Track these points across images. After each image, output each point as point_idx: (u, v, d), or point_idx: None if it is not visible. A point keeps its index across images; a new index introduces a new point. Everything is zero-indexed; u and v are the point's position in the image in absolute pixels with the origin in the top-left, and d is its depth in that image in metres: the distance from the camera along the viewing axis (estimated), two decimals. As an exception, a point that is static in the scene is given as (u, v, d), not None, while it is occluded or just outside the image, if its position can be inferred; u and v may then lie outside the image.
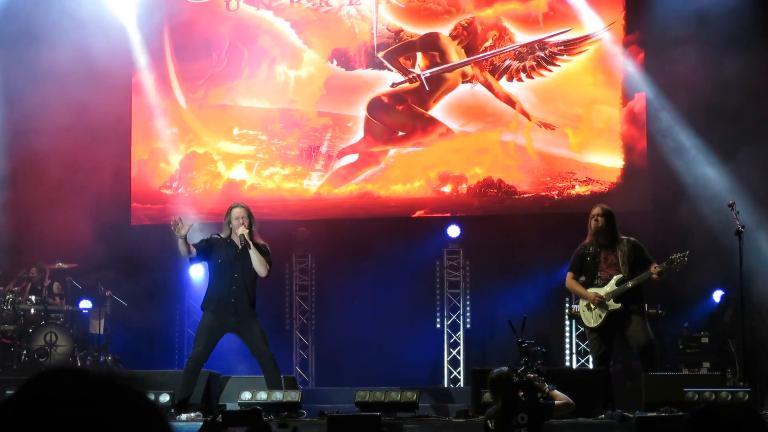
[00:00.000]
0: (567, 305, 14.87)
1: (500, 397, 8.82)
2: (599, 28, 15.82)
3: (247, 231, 10.93)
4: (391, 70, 16.42)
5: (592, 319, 11.50)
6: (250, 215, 11.09)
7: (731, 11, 14.71)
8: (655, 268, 11.29)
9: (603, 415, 10.32)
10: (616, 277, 11.43)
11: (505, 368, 9.18)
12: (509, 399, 8.66)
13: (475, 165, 16.19)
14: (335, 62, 16.54)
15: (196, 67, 16.92)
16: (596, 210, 11.69)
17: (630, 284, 11.36)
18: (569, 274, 11.69)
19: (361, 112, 16.48)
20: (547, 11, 16.00)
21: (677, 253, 11.38)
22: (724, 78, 14.40)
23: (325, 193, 16.48)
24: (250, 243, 10.96)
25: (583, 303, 11.64)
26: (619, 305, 11.36)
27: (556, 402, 9.64)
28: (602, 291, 11.42)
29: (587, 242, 11.63)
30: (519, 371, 9.19)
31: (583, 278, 11.69)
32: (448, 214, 16.27)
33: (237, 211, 11.07)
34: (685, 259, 11.35)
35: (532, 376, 9.35)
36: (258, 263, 10.95)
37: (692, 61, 14.67)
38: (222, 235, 11.23)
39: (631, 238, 11.65)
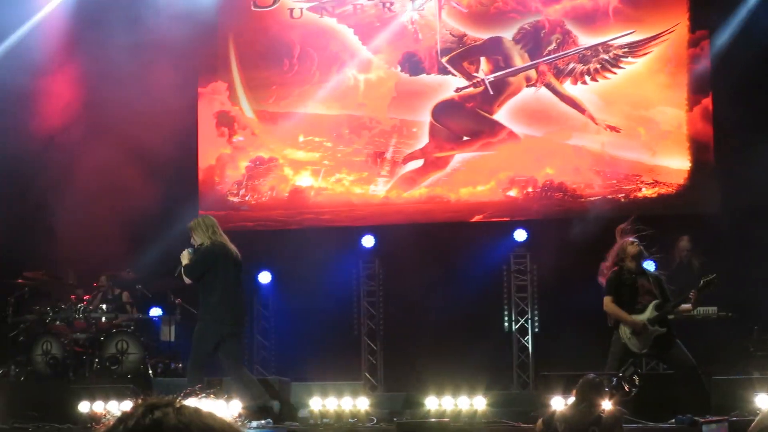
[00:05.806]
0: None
1: (587, 402, 8.65)
2: (664, 29, 15.73)
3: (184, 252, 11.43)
4: (455, 75, 16.42)
5: (638, 345, 11.21)
6: (192, 227, 11.52)
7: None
8: (694, 294, 11.15)
9: (673, 420, 10.27)
10: (654, 303, 11.24)
11: (594, 375, 9.08)
12: (589, 408, 8.54)
13: (541, 169, 16.15)
14: (399, 68, 16.57)
15: (264, 75, 17.02)
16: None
17: (672, 309, 11.28)
18: (609, 298, 11.33)
19: (425, 117, 16.49)
20: (618, 4, 15.92)
21: (708, 277, 11.27)
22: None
23: (392, 198, 16.50)
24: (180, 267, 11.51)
25: (627, 330, 11.29)
26: (664, 329, 11.19)
27: None
28: (643, 317, 11.23)
29: (619, 269, 11.41)
30: (615, 379, 9.01)
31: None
32: (515, 218, 16.22)
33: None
34: (716, 280, 11.24)
35: (627, 389, 9.19)
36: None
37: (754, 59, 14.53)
38: None
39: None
